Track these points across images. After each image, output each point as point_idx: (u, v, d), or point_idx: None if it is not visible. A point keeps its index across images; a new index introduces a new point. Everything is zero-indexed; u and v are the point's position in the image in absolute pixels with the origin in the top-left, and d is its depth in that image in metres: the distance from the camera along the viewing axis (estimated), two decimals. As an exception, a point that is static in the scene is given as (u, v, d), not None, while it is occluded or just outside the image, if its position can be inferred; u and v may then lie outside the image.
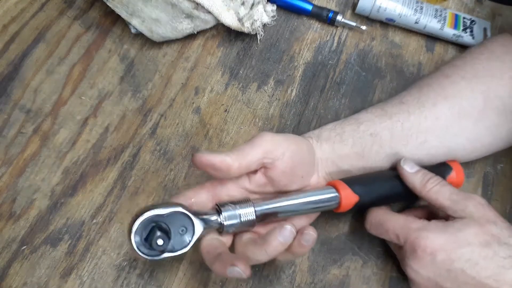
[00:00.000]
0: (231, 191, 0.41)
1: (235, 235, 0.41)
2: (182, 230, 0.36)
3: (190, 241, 0.37)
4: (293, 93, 0.55)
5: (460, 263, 0.37)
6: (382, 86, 0.56)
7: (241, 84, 0.55)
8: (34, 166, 0.48)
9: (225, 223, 0.38)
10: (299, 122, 0.53)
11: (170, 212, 0.36)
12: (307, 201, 0.41)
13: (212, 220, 0.37)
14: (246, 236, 0.40)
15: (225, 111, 0.53)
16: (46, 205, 0.46)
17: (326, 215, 0.47)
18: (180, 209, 0.36)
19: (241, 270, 0.34)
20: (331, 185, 0.43)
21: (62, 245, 0.45)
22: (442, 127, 0.45)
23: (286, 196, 0.41)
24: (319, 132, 0.45)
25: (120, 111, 0.52)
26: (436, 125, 0.45)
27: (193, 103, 0.53)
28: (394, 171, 0.45)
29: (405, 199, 0.46)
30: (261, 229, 0.41)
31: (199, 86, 0.54)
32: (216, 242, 0.38)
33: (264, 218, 0.39)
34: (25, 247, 0.45)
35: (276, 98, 0.54)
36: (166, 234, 0.35)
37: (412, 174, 0.42)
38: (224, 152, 0.37)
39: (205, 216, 0.37)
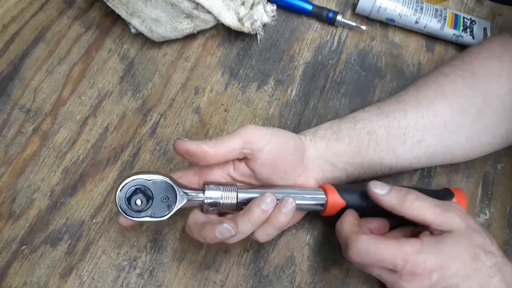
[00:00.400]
0: (217, 176, 0.42)
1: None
2: (164, 199, 0.38)
3: (170, 211, 0.38)
4: (293, 93, 0.55)
5: (455, 279, 0.37)
6: (382, 86, 0.56)
7: (241, 84, 0.55)
8: (34, 166, 0.48)
9: (206, 201, 0.39)
10: (299, 122, 0.53)
11: (157, 179, 0.38)
12: (292, 196, 0.41)
13: (195, 196, 0.39)
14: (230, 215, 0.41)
15: (225, 111, 0.53)
16: (46, 205, 0.46)
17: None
18: (166, 179, 0.38)
19: (229, 226, 0.36)
20: (321, 187, 0.43)
21: (62, 245, 0.45)
22: (440, 125, 0.45)
23: (271, 188, 0.41)
24: (315, 130, 0.46)
25: (120, 111, 0.52)
26: (434, 124, 0.45)
27: (193, 103, 0.53)
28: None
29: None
30: None
31: (199, 86, 0.54)
32: (202, 216, 0.40)
33: (245, 204, 0.40)
34: (25, 247, 0.45)
35: (276, 98, 0.54)
36: (148, 198, 0.38)
37: (386, 196, 0.40)
38: (203, 140, 0.39)
39: (188, 191, 0.39)
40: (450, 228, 0.38)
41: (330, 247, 0.47)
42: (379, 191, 0.40)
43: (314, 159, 0.44)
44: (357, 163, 0.45)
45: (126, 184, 0.37)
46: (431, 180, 0.52)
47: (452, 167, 0.52)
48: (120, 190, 0.37)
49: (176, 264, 0.45)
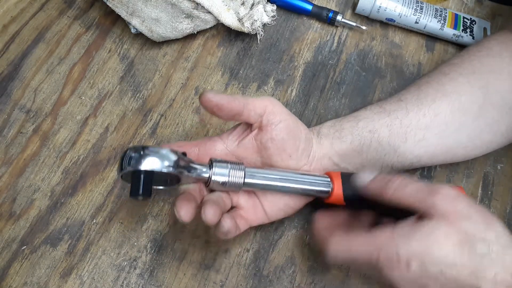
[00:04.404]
0: (218, 151, 0.42)
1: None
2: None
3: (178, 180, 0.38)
4: (293, 93, 0.55)
5: (437, 267, 0.34)
6: (382, 86, 0.56)
7: (241, 84, 0.55)
8: (34, 166, 0.48)
9: (213, 177, 0.39)
10: (299, 122, 0.53)
11: (162, 149, 0.37)
12: (298, 179, 0.41)
13: (202, 170, 0.39)
14: (215, 195, 0.41)
15: (225, 111, 0.53)
16: (46, 205, 0.46)
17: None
18: (172, 148, 0.38)
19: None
20: (327, 174, 0.43)
21: (62, 245, 0.45)
22: (441, 124, 0.45)
23: (277, 170, 0.41)
24: (319, 129, 0.46)
25: (120, 111, 0.52)
26: (435, 122, 0.45)
27: (193, 103, 0.53)
28: None
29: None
30: (242, 201, 0.43)
31: (199, 86, 0.54)
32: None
33: (251, 184, 0.40)
34: (25, 247, 0.45)
35: (276, 98, 0.54)
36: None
37: (370, 185, 0.38)
38: (232, 95, 0.39)
39: (196, 165, 0.38)
40: (433, 213, 0.35)
41: (330, 247, 0.47)
42: (366, 179, 0.39)
43: (319, 157, 0.44)
44: (358, 162, 0.45)
45: (130, 150, 0.36)
46: (431, 180, 0.52)
47: (452, 167, 0.52)
48: (124, 158, 0.36)
49: (176, 264, 0.45)
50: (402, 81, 0.57)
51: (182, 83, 0.54)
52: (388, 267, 0.35)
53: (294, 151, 0.42)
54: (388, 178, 0.38)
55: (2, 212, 0.46)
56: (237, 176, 0.39)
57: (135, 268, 0.45)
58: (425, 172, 0.52)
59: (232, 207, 0.42)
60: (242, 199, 0.42)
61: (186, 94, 0.53)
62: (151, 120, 0.51)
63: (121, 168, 0.36)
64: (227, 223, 0.38)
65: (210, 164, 0.39)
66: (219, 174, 0.39)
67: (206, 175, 0.39)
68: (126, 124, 0.51)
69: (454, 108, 0.45)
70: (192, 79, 0.54)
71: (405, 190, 0.37)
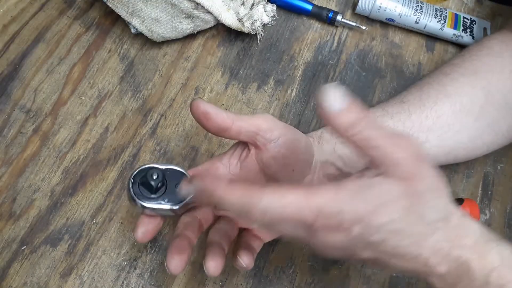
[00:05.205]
0: (223, 176, 0.40)
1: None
2: (177, 186, 0.37)
3: (184, 200, 0.37)
4: (293, 93, 0.55)
5: (381, 234, 0.30)
6: (382, 86, 0.56)
7: (241, 84, 0.55)
8: (34, 166, 0.48)
9: None
10: (299, 122, 0.53)
11: (169, 168, 0.37)
12: None
13: None
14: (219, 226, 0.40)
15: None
16: (46, 205, 0.46)
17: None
18: (179, 168, 0.38)
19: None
20: None
21: (62, 245, 0.45)
22: (443, 126, 0.45)
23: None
24: (321, 133, 0.45)
25: (120, 111, 0.52)
26: (437, 124, 0.45)
27: (193, 103, 0.53)
28: None
29: None
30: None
31: (199, 86, 0.54)
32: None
33: None
34: (25, 247, 0.45)
35: (276, 98, 0.54)
36: (162, 185, 0.37)
37: (339, 116, 0.30)
38: (222, 109, 0.38)
39: None
40: (392, 172, 0.30)
41: (330, 247, 0.47)
42: (337, 105, 0.30)
43: (321, 163, 0.43)
44: (362, 167, 0.44)
45: (139, 171, 0.37)
46: (431, 180, 0.52)
47: (452, 167, 0.52)
48: (133, 177, 0.36)
49: (176, 264, 0.45)
50: (402, 81, 0.57)
51: (182, 83, 0.54)
52: (325, 231, 0.30)
53: (297, 164, 0.41)
54: (365, 113, 0.31)
55: (2, 212, 0.46)
56: None
57: (135, 268, 0.45)
58: (425, 172, 0.52)
59: (242, 229, 0.41)
60: None
61: (186, 94, 0.53)
62: (151, 120, 0.51)
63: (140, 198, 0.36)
64: (244, 261, 0.37)
65: None
66: None
67: None
68: (126, 124, 0.51)
69: (455, 110, 0.45)
70: (192, 79, 0.54)
71: (372, 134, 0.31)
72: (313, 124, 0.53)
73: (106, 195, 0.47)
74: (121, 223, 0.46)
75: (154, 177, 0.36)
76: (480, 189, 0.52)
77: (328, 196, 0.30)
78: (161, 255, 0.45)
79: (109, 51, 0.55)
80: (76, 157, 0.49)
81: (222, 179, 0.32)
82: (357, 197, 0.30)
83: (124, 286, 0.44)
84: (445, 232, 0.31)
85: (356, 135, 0.31)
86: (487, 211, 0.51)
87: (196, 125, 0.51)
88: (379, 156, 0.30)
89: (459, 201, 0.47)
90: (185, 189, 0.34)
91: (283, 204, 0.30)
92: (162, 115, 0.52)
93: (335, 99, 0.30)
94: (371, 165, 0.32)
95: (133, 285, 0.44)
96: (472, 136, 0.46)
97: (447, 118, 0.45)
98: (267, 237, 0.41)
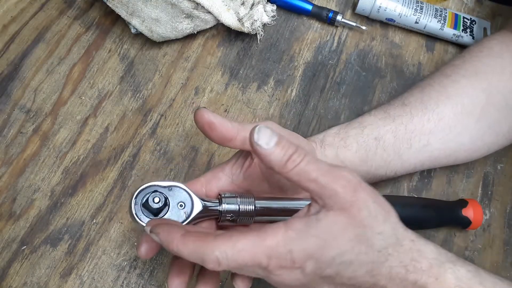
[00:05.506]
0: (226, 186, 0.40)
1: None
2: (180, 205, 0.37)
3: (188, 217, 0.37)
4: (293, 93, 0.55)
5: (333, 268, 0.31)
6: (382, 86, 0.56)
7: (241, 84, 0.55)
8: (34, 166, 0.48)
9: (224, 210, 0.38)
10: (299, 122, 0.53)
11: (171, 185, 0.37)
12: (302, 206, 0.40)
13: (212, 205, 0.38)
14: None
15: (225, 111, 0.53)
16: (46, 205, 0.46)
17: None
18: (182, 186, 0.37)
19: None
20: None
21: (62, 245, 0.45)
22: (445, 128, 0.45)
23: (286, 200, 0.40)
24: (323, 137, 0.44)
25: (120, 111, 0.52)
26: (439, 127, 0.45)
27: (193, 103, 0.53)
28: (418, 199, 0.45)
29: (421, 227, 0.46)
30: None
31: (199, 86, 0.54)
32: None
33: (263, 213, 0.39)
34: (25, 247, 0.45)
35: (276, 98, 0.54)
36: (164, 204, 0.36)
37: (270, 152, 0.31)
38: (227, 119, 0.37)
39: (205, 201, 0.38)
40: (332, 204, 0.31)
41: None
42: (264, 144, 0.31)
43: None
44: (364, 170, 0.44)
45: (141, 190, 0.36)
46: (431, 180, 0.52)
47: (452, 168, 0.52)
48: (135, 197, 0.36)
49: (176, 264, 0.45)
50: (402, 81, 0.57)
51: (182, 83, 0.54)
52: (280, 270, 0.31)
53: None
54: (293, 149, 0.32)
55: (2, 212, 0.46)
56: (248, 208, 0.38)
57: (135, 268, 0.45)
58: (425, 172, 0.52)
59: None
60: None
61: (186, 94, 0.53)
62: (151, 120, 0.51)
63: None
64: (239, 287, 0.35)
65: (219, 199, 0.38)
66: (230, 210, 0.38)
67: (217, 209, 0.38)
68: (126, 124, 0.51)
69: (457, 111, 0.45)
70: (192, 79, 0.54)
71: (305, 169, 0.31)
72: (313, 124, 0.53)
73: (106, 195, 0.47)
74: (121, 223, 0.46)
75: (156, 201, 0.36)
76: (480, 189, 0.52)
77: (277, 238, 0.31)
78: (161, 255, 0.45)
79: (109, 51, 0.55)
80: (76, 157, 0.49)
81: (176, 231, 0.32)
82: (305, 235, 0.31)
83: (124, 286, 0.44)
84: (399, 257, 0.32)
85: (292, 170, 0.31)
86: (487, 211, 0.51)
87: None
88: (317, 189, 0.31)
89: (463, 203, 0.47)
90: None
91: (235, 252, 0.30)
92: (162, 115, 0.52)
93: (264, 138, 0.32)
94: (312, 200, 0.32)
95: (133, 285, 0.44)
96: (473, 138, 0.46)
97: (448, 120, 0.45)
98: None
